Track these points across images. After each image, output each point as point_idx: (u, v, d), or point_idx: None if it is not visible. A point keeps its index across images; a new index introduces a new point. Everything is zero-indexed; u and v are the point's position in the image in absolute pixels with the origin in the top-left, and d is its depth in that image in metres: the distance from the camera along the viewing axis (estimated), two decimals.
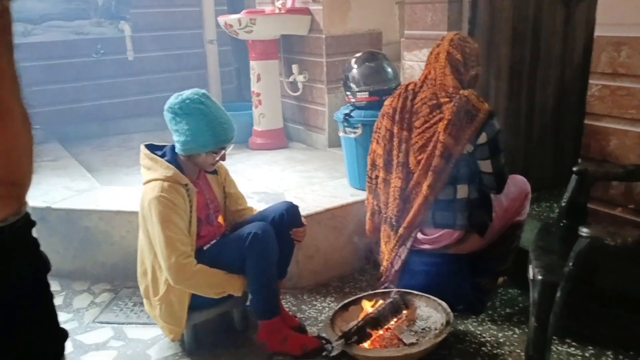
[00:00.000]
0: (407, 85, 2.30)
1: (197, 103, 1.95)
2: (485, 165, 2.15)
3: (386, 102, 2.35)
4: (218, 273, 1.99)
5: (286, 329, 2.08)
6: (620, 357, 1.95)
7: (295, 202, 2.66)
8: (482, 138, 2.11)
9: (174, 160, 2.00)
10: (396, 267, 2.29)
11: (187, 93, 1.97)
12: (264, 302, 2.04)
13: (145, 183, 1.99)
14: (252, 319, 2.16)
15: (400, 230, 2.25)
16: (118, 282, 2.69)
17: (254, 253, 1.96)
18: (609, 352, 1.98)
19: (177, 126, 1.96)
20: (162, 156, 2.01)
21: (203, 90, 2.01)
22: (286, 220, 2.13)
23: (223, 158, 2.07)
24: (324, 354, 2.02)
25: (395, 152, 2.26)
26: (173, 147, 2.03)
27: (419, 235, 2.25)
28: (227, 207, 2.21)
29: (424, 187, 2.17)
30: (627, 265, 1.68)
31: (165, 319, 2.03)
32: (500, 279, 2.41)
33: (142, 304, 2.42)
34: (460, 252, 2.23)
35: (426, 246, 2.24)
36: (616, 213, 2.13)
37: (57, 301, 2.55)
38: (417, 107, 2.22)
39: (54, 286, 2.66)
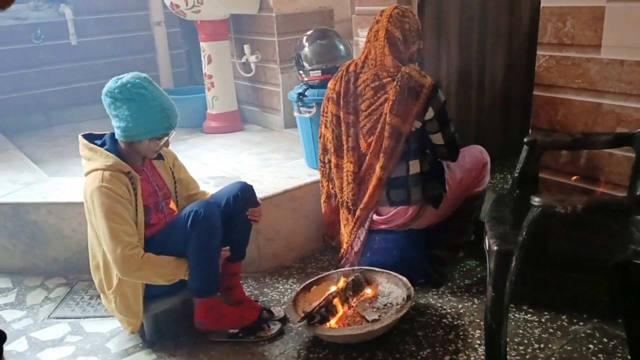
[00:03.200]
0: (347, 67, 2.25)
1: (139, 87, 1.86)
2: (437, 138, 2.17)
3: (329, 85, 2.30)
4: (166, 261, 1.93)
5: (223, 306, 2.06)
6: (574, 320, 2.03)
7: (252, 185, 2.64)
8: (429, 113, 2.10)
9: (114, 148, 1.92)
10: (355, 248, 2.30)
11: (127, 77, 1.88)
12: (202, 280, 1.99)
13: (86, 174, 1.91)
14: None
15: (358, 212, 2.24)
16: (73, 275, 2.60)
17: (195, 231, 1.91)
18: (563, 316, 2.05)
19: (117, 111, 1.87)
20: (102, 145, 1.93)
21: (144, 74, 1.92)
22: (241, 200, 2.09)
23: (166, 144, 1.99)
24: (261, 333, 2.05)
25: (344, 137, 2.24)
26: (113, 134, 1.94)
27: (374, 217, 2.26)
28: (178, 193, 2.15)
29: (377, 168, 2.16)
30: (576, 231, 1.73)
31: (121, 311, 1.98)
32: (461, 254, 2.43)
33: (99, 296, 2.36)
34: (417, 227, 2.26)
35: (382, 226, 2.26)
36: (565, 181, 2.19)
37: (9, 299, 2.45)
38: (361, 90, 2.18)
39: (5, 283, 2.57)
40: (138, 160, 1.98)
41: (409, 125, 2.11)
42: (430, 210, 2.23)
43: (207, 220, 1.92)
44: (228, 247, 2.08)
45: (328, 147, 2.33)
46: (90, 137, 1.97)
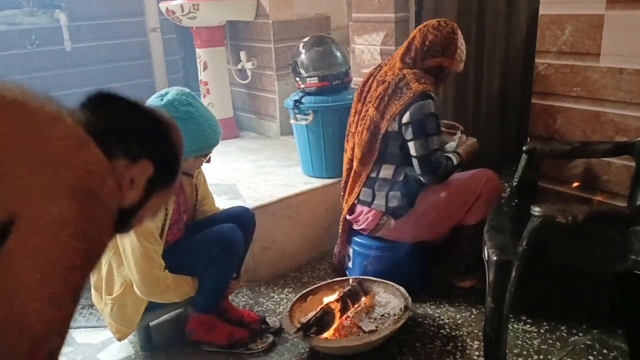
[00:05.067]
0: (384, 61, 2.31)
1: (186, 105, 1.80)
2: (411, 147, 2.09)
3: None
4: (185, 280, 1.91)
5: (216, 321, 2.03)
6: (574, 330, 2.01)
7: (248, 193, 2.62)
8: (406, 117, 2.06)
9: None
10: (338, 248, 2.39)
11: (172, 93, 1.81)
12: (212, 299, 1.98)
13: None
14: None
15: (344, 204, 2.28)
16: None
17: (221, 256, 1.90)
18: (562, 327, 2.03)
19: None
20: None
21: (187, 90, 1.86)
22: (245, 226, 2.08)
23: (208, 160, 1.96)
24: (252, 345, 2.02)
25: (354, 124, 2.27)
26: None
27: (347, 215, 2.29)
28: (197, 209, 2.12)
29: (355, 161, 2.20)
30: (576, 241, 1.71)
31: (115, 319, 1.93)
32: (467, 282, 2.30)
33: (91, 306, 2.32)
34: (389, 238, 2.22)
35: (355, 227, 2.28)
36: (564, 190, 2.17)
37: None
38: (371, 82, 2.22)
39: None
40: None
41: (386, 123, 2.09)
42: (400, 224, 2.16)
43: (234, 247, 1.93)
44: (238, 281, 2.13)
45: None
46: None
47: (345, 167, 2.33)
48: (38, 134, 0.73)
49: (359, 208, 2.24)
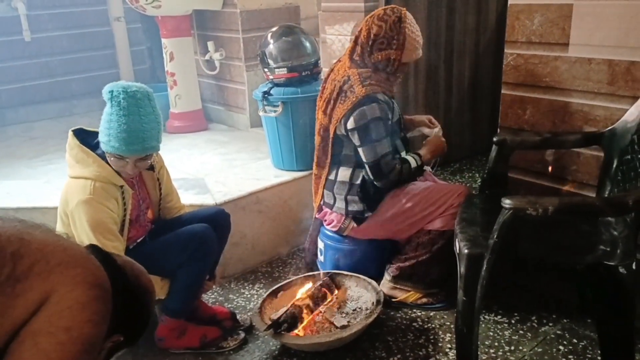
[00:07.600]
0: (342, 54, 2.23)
1: (131, 97, 1.68)
2: (360, 153, 2.01)
3: None
4: (155, 282, 1.83)
5: (186, 325, 1.98)
6: (544, 320, 2.01)
7: (216, 187, 2.56)
8: (350, 123, 1.98)
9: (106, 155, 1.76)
10: (308, 241, 2.35)
11: (135, 84, 1.72)
12: (183, 303, 1.93)
13: (71, 177, 1.75)
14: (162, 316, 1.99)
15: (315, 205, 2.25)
16: None
17: (195, 259, 1.84)
18: (533, 317, 2.03)
19: (104, 114, 1.72)
20: (95, 147, 1.77)
21: (150, 90, 1.76)
22: (218, 227, 2.00)
23: (131, 169, 1.76)
24: (223, 344, 1.98)
25: (317, 122, 2.21)
26: None
27: (317, 214, 2.27)
28: (161, 205, 2.03)
29: (314, 164, 2.19)
30: (546, 232, 1.71)
31: None
32: (410, 295, 2.13)
33: None
34: (362, 237, 2.17)
35: (325, 225, 2.25)
36: (535, 181, 2.17)
37: None
38: (329, 79, 2.14)
39: None
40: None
41: (334, 127, 2.05)
42: (363, 227, 2.11)
43: (208, 248, 1.87)
44: (213, 281, 2.06)
45: None
46: (81, 134, 1.79)
47: (314, 162, 2.26)
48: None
49: (324, 208, 2.22)
